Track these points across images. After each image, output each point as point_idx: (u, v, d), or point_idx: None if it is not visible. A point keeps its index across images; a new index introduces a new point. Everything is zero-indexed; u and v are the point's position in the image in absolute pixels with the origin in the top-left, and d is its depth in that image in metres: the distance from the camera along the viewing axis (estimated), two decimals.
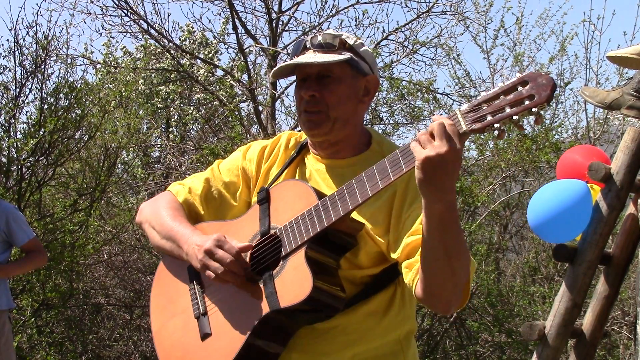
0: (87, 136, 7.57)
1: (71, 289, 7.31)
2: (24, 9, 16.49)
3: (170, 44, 8.46)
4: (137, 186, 9.36)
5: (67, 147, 7.20)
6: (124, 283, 8.28)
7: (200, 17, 18.71)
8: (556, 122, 9.41)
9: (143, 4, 8.85)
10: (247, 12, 8.71)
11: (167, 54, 8.84)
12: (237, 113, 8.21)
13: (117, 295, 8.35)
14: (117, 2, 7.76)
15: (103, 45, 10.78)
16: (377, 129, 8.54)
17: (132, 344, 7.98)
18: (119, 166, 9.40)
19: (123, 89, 8.45)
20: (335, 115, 1.98)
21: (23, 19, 13.59)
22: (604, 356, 7.93)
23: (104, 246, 7.96)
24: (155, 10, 12.48)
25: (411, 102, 8.81)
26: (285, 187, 2.00)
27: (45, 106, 6.96)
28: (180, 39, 10.12)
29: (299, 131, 2.23)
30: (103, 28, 8.25)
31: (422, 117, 8.76)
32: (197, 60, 9.51)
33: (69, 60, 7.61)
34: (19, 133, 7.14)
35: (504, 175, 8.30)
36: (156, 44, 8.67)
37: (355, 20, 8.24)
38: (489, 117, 1.62)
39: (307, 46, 2.02)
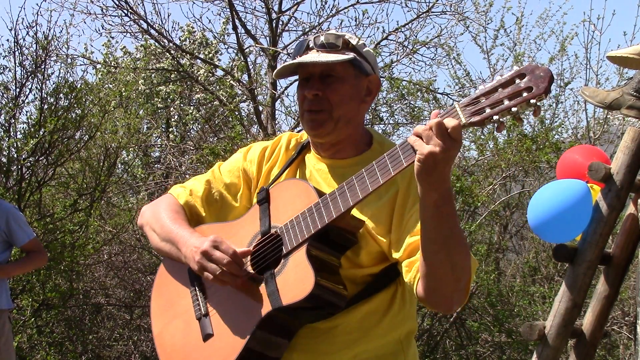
0: (87, 136, 7.57)
1: (71, 289, 7.31)
2: (24, 9, 16.49)
3: (170, 44, 8.47)
4: (137, 186, 9.36)
5: (67, 147, 7.20)
6: (124, 283, 8.28)
7: (200, 17, 18.71)
8: (556, 122, 9.42)
9: (143, 4, 8.87)
10: (247, 12, 8.74)
11: (167, 54, 8.84)
12: (237, 113, 8.22)
13: (117, 295, 8.35)
14: (117, 2, 7.76)
15: (103, 45, 10.79)
16: (377, 129, 8.54)
17: (132, 344, 7.98)
18: (119, 166, 9.41)
19: (123, 89, 8.46)
20: (338, 115, 1.99)
21: (23, 19, 13.57)
22: (604, 356, 7.94)
23: (104, 246, 7.96)
24: (155, 10, 12.45)
25: (411, 102, 8.82)
26: (285, 186, 2.00)
27: (45, 106, 6.96)
28: (180, 39, 10.12)
29: (299, 131, 2.23)
30: (103, 28, 8.26)
31: (422, 117, 8.76)
32: (197, 60, 9.51)
33: (69, 60, 7.62)
34: (19, 133, 7.15)
35: (504, 175, 8.31)
36: (156, 44, 8.67)
37: (355, 20, 8.25)
38: (488, 110, 1.63)
39: (310, 46, 2.02)
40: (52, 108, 6.99)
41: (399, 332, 2.01)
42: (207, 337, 1.98)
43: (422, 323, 7.82)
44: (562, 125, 9.47)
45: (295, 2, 8.21)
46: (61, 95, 7.10)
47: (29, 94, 7.06)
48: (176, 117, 10.65)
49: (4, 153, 6.86)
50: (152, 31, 8.04)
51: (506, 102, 1.61)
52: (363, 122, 2.11)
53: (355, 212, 1.91)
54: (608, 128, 8.88)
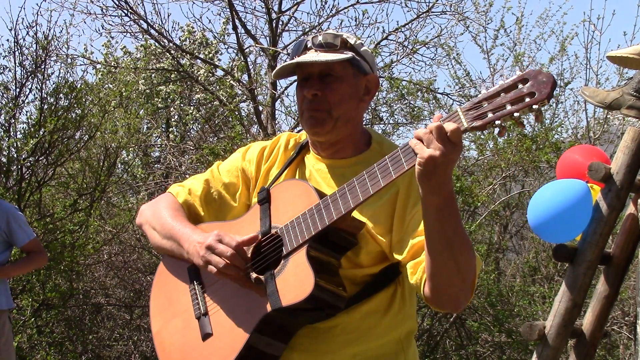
0: (87, 136, 7.57)
1: (71, 289, 7.32)
2: (24, 9, 16.51)
3: (170, 44, 8.47)
4: (137, 186, 9.35)
5: (67, 147, 7.20)
6: (124, 283, 8.29)
7: (200, 17, 18.75)
8: (556, 122, 9.42)
9: (143, 4, 8.88)
10: (247, 12, 8.76)
11: (167, 54, 8.84)
12: (237, 113, 8.21)
13: (117, 295, 8.35)
14: (117, 2, 7.77)
15: (103, 45, 10.80)
16: (377, 129, 8.54)
17: (132, 344, 7.99)
18: (119, 166, 9.41)
19: (123, 89, 8.46)
20: (338, 114, 1.99)
21: (23, 19, 13.60)
22: (604, 356, 7.94)
23: (104, 246, 7.96)
24: (155, 10, 12.47)
25: (411, 102, 8.82)
26: (285, 186, 2.00)
27: (45, 106, 6.97)
28: (180, 39, 10.12)
29: (299, 131, 2.23)
30: (103, 28, 8.27)
31: (422, 117, 8.76)
32: (197, 60, 9.51)
33: (69, 60, 7.63)
34: (19, 133, 7.15)
35: (504, 175, 8.30)
36: (156, 44, 8.67)
37: (355, 20, 8.25)
38: (490, 115, 1.63)
39: (309, 46, 2.02)
40: (52, 108, 6.99)
41: (399, 332, 2.01)
42: (206, 336, 1.98)
43: (422, 323, 7.82)
44: (562, 125, 9.48)
45: (295, 2, 8.22)
46: (61, 95, 7.11)
47: (29, 94, 7.08)
48: (176, 117, 10.65)
49: (4, 153, 6.86)
50: (152, 31, 8.05)
51: (508, 107, 1.61)
52: (362, 122, 2.11)
53: (355, 212, 1.91)
54: (608, 128, 8.87)
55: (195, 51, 10.13)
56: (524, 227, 9.22)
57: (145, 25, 7.92)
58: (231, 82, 8.66)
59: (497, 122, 1.62)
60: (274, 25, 8.12)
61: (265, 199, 2.01)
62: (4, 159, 6.83)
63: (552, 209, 3.65)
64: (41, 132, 6.78)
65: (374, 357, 1.97)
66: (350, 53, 2.00)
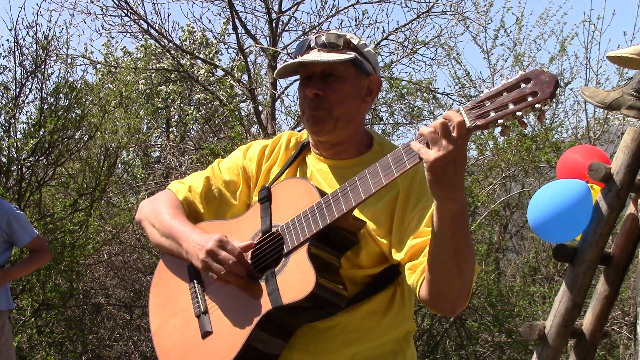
0: (87, 136, 7.57)
1: (71, 289, 7.31)
2: (24, 9, 16.50)
3: (171, 44, 8.46)
4: (137, 186, 9.35)
5: (67, 147, 7.20)
6: (124, 283, 8.29)
7: (200, 17, 18.70)
8: (556, 122, 9.42)
9: (143, 4, 8.85)
10: (247, 12, 8.74)
11: (167, 54, 8.83)
12: (237, 113, 8.21)
13: (117, 295, 8.35)
14: (117, 2, 7.75)
15: (103, 45, 10.78)
16: (376, 128, 8.54)
17: (132, 344, 7.99)
18: (119, 166, 9.40)
19: (123, 88, 8.45)
20: (338, 114, 1.99)
21: (23, 19, 13.57)
22: (604, 356, 7.94)
23: (104, 246, 7.96)
24: (155, 10, 12.44)
25: (411, 102, 8.82)
26: (286, 185, 2.00)
27: (45, 106, 6.96)
28: (180, 39, 10.11)
29: (299, 131, 2.23)
30: (103, 28, 8.24)
31: (421, 117, 8.76)
32: (197, 60, 9.51)
33: (69, 60, 7.62)
34: (19, 133, 7.15)
35: (504, 175, 8.31)
36: (156, 44, 8.66)
37: (355, 20, 8.24)
38: (492, 114, 1.63)
39: (312, 45, 2.02)
40: (52, 108, 6.99)
41: (398, 332, 2.01)
42: (205, 334, 1.97)
43: (422, 323, 7.82)
44: (562, 125, 9.48)
45: (295, 2, 8.21)
46: (61, 95, 7.10)
47: (29, 94, 7.07)
48: (176, 117, 10.64)
49: (4, 153, 6.86)
50: (152, 31, 8.04)
51: (511, 106, 1.61)
52: (364, 123, 2.11)
53: (355, 213, 1.91)
54: (608, 128, 8.88)
55: (195, 51, 10.12)
56: (524, 227, 9.22)
57: (145, 25, 7.92)
58: (231, 82, 8.65)
59: (500, 121, 1.62)
60: (274, 25, 8.11)
61: (266, 198, 2.00)
62: (4, 159, 6.82)
63: (552, 209, 3.65)
64: (41, 132, 6.78)
65: (373, 357, 1.97)
66: (353, 53, 2.00)
